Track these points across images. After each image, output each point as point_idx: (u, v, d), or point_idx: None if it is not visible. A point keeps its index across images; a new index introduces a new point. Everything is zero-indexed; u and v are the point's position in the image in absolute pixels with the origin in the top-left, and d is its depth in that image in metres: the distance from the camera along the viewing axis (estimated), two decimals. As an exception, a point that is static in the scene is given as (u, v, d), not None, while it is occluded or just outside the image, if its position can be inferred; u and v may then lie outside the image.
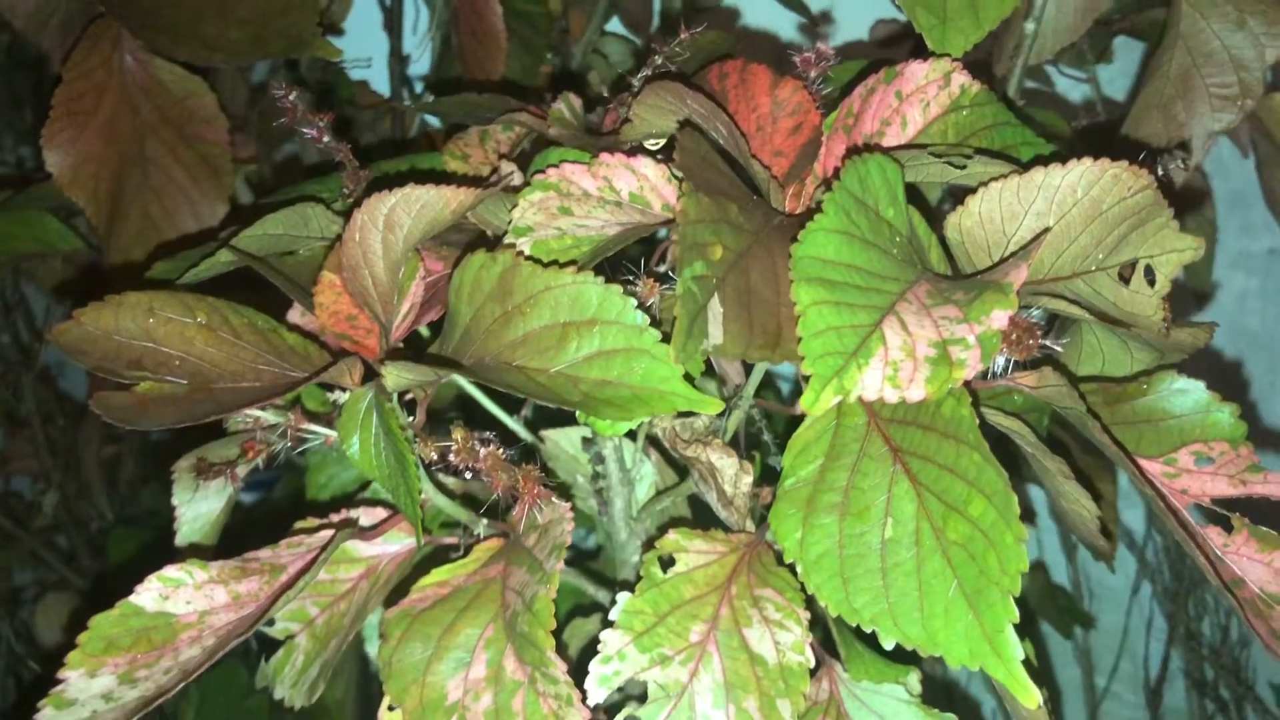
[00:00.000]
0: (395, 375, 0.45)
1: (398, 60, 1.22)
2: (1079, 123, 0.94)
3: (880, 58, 0.61)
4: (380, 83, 1.28)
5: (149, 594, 0.47)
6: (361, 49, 1.26)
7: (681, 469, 0.68)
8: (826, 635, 0.57)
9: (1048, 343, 0.43)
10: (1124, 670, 1.40)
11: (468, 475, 0.48)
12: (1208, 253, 1.11)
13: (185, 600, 0.47)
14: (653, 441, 0.68)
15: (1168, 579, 1.22)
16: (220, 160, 0.94)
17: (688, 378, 0.44)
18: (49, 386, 1.35)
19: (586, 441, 0.63)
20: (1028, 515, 1.10)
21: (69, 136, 0.87)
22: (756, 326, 0.43)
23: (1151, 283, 0.42)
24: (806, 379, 0.40)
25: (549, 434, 0.66)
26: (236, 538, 0.65)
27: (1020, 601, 0.41)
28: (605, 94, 0.85)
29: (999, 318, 0.40)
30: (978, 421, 0.41)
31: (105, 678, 0.44)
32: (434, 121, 1.22)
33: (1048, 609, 1.19)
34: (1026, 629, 0.42)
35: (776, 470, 0.60)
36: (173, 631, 0.46)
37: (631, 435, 0.64)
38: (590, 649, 0.64)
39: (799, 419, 0.52)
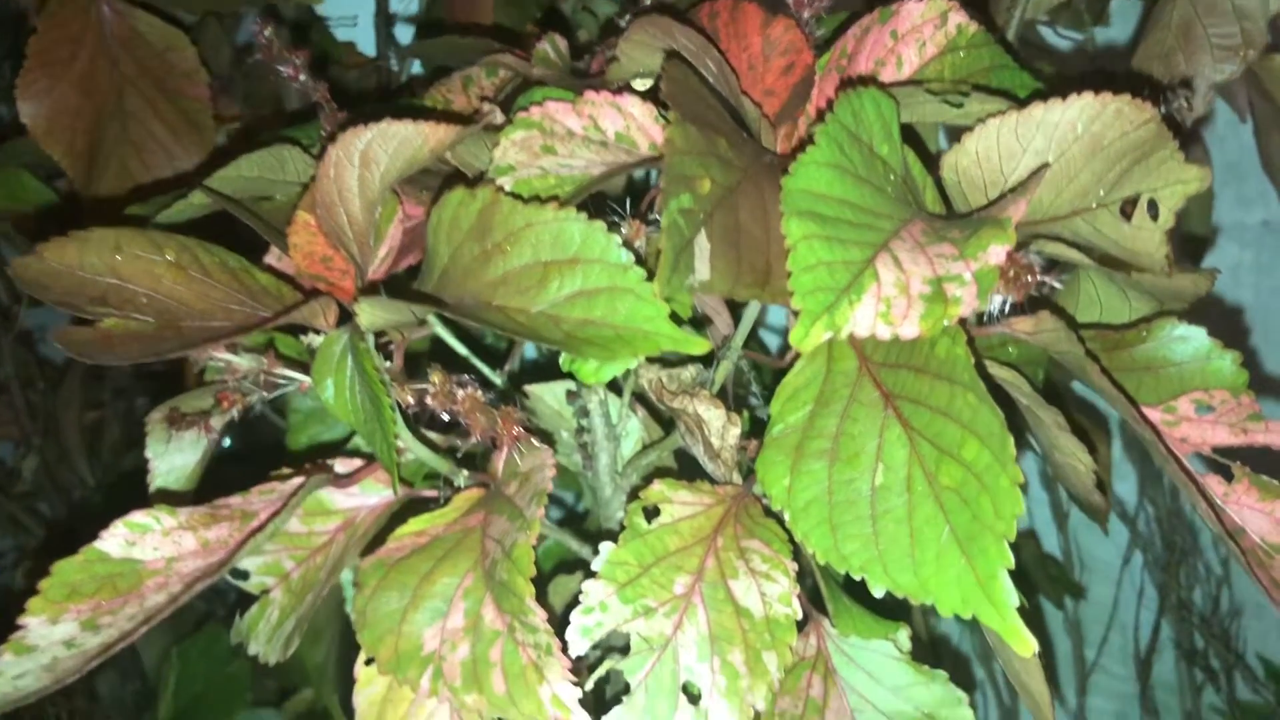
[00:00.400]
0: (369, 313, 0.44)
1: (384, 19, 1.20)
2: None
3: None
4: (367, 45, 1.26)
5: (114, 540, 0.45)
6: (347, 7, 1.24)
7: (668, 425, 0.66)
8: (815, 591, 0.56)
9: (1046, 279, 0.41)
10: (1114, 643, 1.40)
11: (445, 418, 0.46)
12: (1204, 226, 1.10)
13: (152, 546, 0.46)
14: (640, 398, 0.67)
15: (1159, 549, 1.21)
16: (201, 115, 0.92)
17: (674, 318, 0.43)
18: (29, 350, 1.33)
19: (571, 395, 0.62)
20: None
21: (44, 87, 0.85)
22: (745, 264, 0.42)
23: (1155, 217, 0.40)
24: (796, 314, 0.38)
25: (533, 388, 0.64)
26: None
27: (1019, 567, 0.40)
28: (593, 41, 0.84)
29: (996, 253, 0.39)
30: (973, 361, 0.40)
31: (67, 624, 0.43)
32: (420, 72, 1.20)
33: (1039, 578, 1.18)
34: (1024, 593, 0.40)
35: (765, 423, 0.58)
36: (139, 578, 0.45)
37: (617, 390, 0.63)
38: (574, 605, 0.63)
39: (787, 371, 0.51)
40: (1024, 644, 0.38)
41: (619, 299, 0.42)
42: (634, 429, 0.64)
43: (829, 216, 0.41)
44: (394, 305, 0.43)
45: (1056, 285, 0.41)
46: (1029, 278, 0.41)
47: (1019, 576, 0.39)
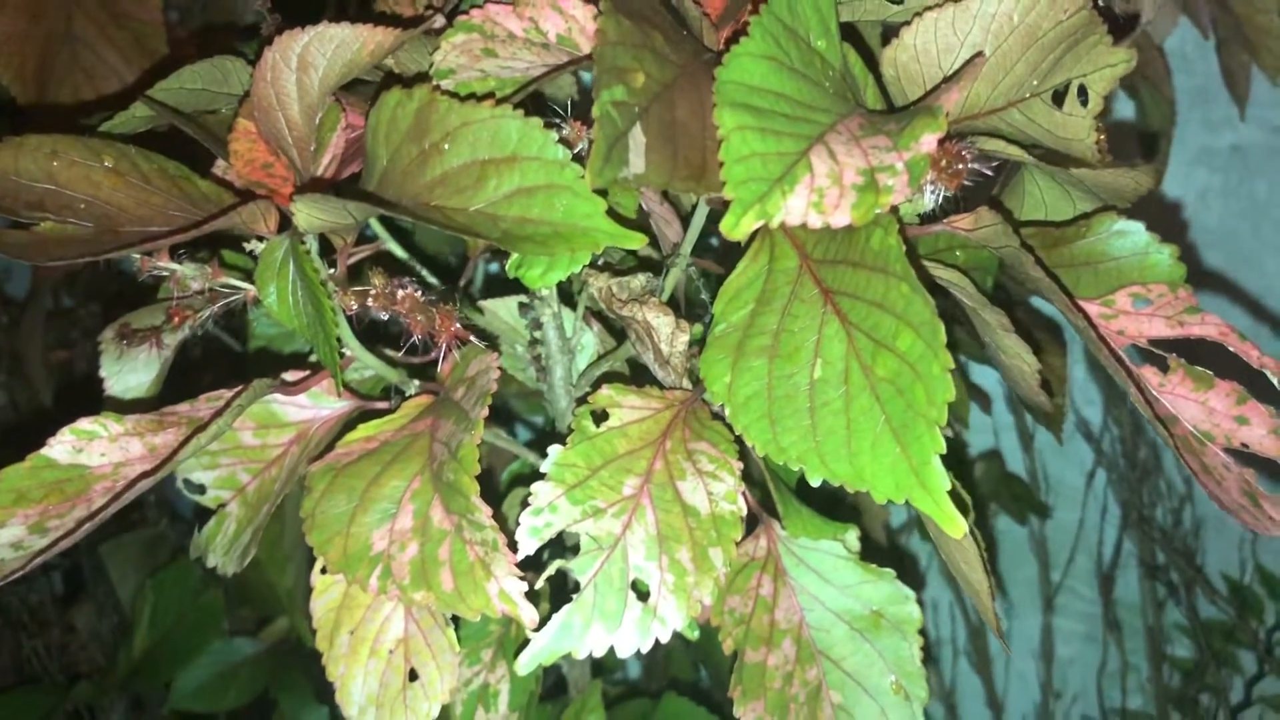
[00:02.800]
0: (306, 213, 0.43)
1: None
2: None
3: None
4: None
5: (61, 446, 0.46)
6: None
7: (624, 338, 0.67)
8: (766, 495, 0.57)
9: (977, 166, 0.41)
10: (1080, 565, 1.42)
11: (399, 339, 0.46)
12: (1166, 146, 1.10)
13: (99, 452, 0.46)
14: (596, 314, 0.67)
15: (1123, 469, 1.23)
16: (154, 41, 0.91)
17: (615, 214, 0.43)
18: (-7, 288, 1.32)
19: (523, 307, 0.62)
20: (983, 399, 1.11)
21: (-12, 12, 0.84)
22: (681, 158, 0.42)
23: (1084, 103, 0.40)
24: (727, 204, 0.39)
25: (487, 303, 0.64)
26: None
27: (972, 488, 0.41)
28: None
29: (928, 141, 0.39)
30: (904, 250, 0.40)
31: (14, 528, 0.43)
32: None
33: (1003, 497, 1.20)
34: (983, 510, 0.41)
35: (715, 331, 0.59)
36: (86, 483, 0.45)
37: (571, 305, 0.63)
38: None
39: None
40: (955, 525, 0.39)
41: (556, 196, 0.42)
42: (589, 343, 0.64)
43: (763, 109, 0.41)
44: (330, 204, 0.43)
45: (988, 172, 0.41)
46: (960, 165, 0.41)
47: (977, 493, 0.40)
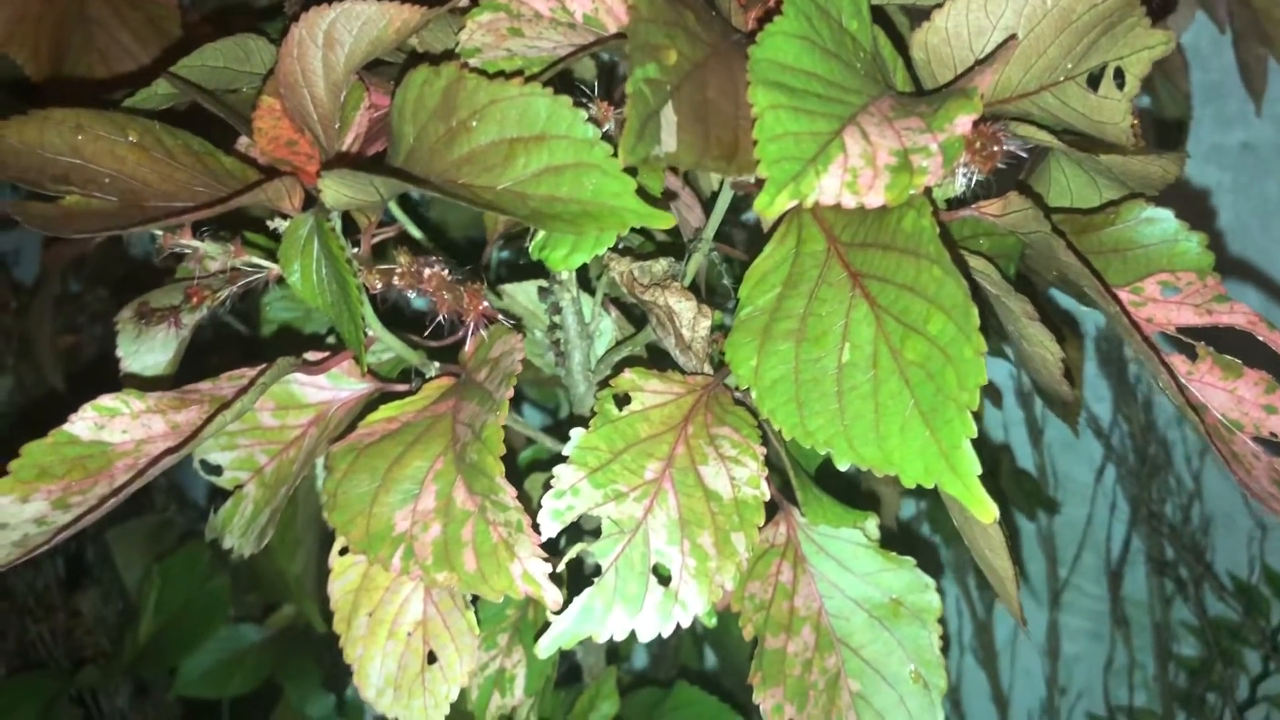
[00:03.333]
0: (333, 188, 0.43)
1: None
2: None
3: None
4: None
5: (83, 423, 0.45)
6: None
7: (641, 325, 0.66)
8: (785, 482, 0.56)
9: (1013, 148, 0.41)
10: (1088, 562, 1.42)
11: (420, 317, 0.46)
12: (1182, 139, 1.10)
13: (121, 429, 0.45)
14: (614, 300, 0.67)
15: (1133, 464, 1.22)
16: (168, 23, 0.90)
17: (642, 195, 0.42)
18: (2, 272, 1.32)
19: (543, 291, 0.61)
20: (993, 394, 1.10)
21: (4, -9, 0.83)
22: (713, 137, 0.42)
23: (1121, 86, 0.40)
24: (761, 183, 0.38)
25: (507, 287, 0.64)
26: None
27: (992, 479, 0.40)
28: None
29: (962, 123, 0.39)
30: (938, 232, 0.40)
31: (38, 503, 0.43)
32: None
33: (1013, 491, 1.19)
34: (1002, 508, 0.41)
35: (738, 316, 0.58)
36: (108, 460, 0.45)
37: (590, 291, 0.63)
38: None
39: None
40: (985, 510, 0.39)
41: (585, 174, 0.42)
42: (607, 328, 0.64)
43: (796, 88, 0.40)
44: (358, 179, 0.43)
45: (1022, 154, 0.41)
46: (995, 148, 0.41)
47: (993, 488, 0.40)
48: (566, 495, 0.48)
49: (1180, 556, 1.19)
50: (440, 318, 0.47)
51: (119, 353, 0.62)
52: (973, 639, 1.42)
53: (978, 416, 0.39)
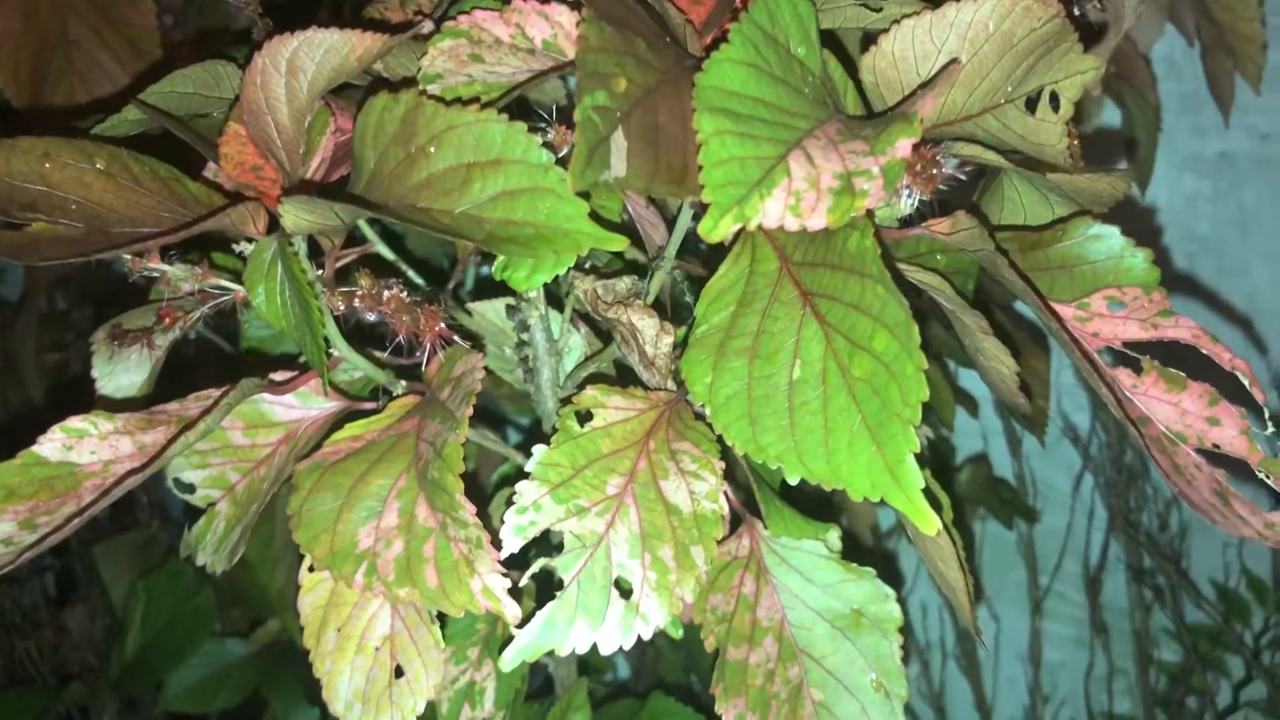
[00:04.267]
0: (293, 214, 0.44)
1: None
2: None
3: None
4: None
5: (51, 444, 0.46)
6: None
7: (610, 340, 0.67)
8: (749, 495, 0.57)
9: (952, 171, 0.42)
10: (1069, 570, 1.43)
11: (370, 318, 0.47)
12: (1150, 152, 1.11)
13: (90, 450, 0.46)
14: (583, 317, 0.68)
15: (1110, 472, 1.24)
16: (148, 45, 0.92)
17: (596, 218, 0.43)
18: (-13, 290, 1.33)
19: (510, 309, 0.62)
20: (970, 404, 1.11)
21: (-16, 14, 0.85)
22: (663, 162, 0.43)
23: (1056, 109, 0.41)
24: (705, 207, 0.39)
25: (475, 306, 0.65)
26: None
27: (952, 489, 0.41)
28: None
29: (903, 146, 0.40)
30: (879, 252, 0.41)
31: (5, 524, 0.44)
32: None
33: (990, 501, 1.20)
34: (959, 518, 0.42)
35: (699, 333, 0.59)
36: (76, 480, 0.46)
37: (559, 307, 0.64)
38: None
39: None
40: (928, 522, 0.40)
41: (540, 199, 0.43)
42: (576, 345, 0.65)
43: (742, 114, 0.41)
44: (318, 206, 0.44)
45: (961, 177, 0.42)
46: (934, 170, 0.42)
47: (957, 494, 0.41)
48: (529, 511, 0.49)
49: (1159, 564, 1.20)
50: (400, 338, 0.48)
51: (94, 373, 0.63)
52: (955, 647, 1.43)
53: (943, 420, 0.40)
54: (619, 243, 0.43)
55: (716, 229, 0.38)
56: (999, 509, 1.21)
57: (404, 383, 0.55)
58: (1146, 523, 1.22)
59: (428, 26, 0.53)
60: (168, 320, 0.56)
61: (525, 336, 0.62)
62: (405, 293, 0.47)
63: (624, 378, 0.67)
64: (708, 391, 0.45)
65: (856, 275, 0.42)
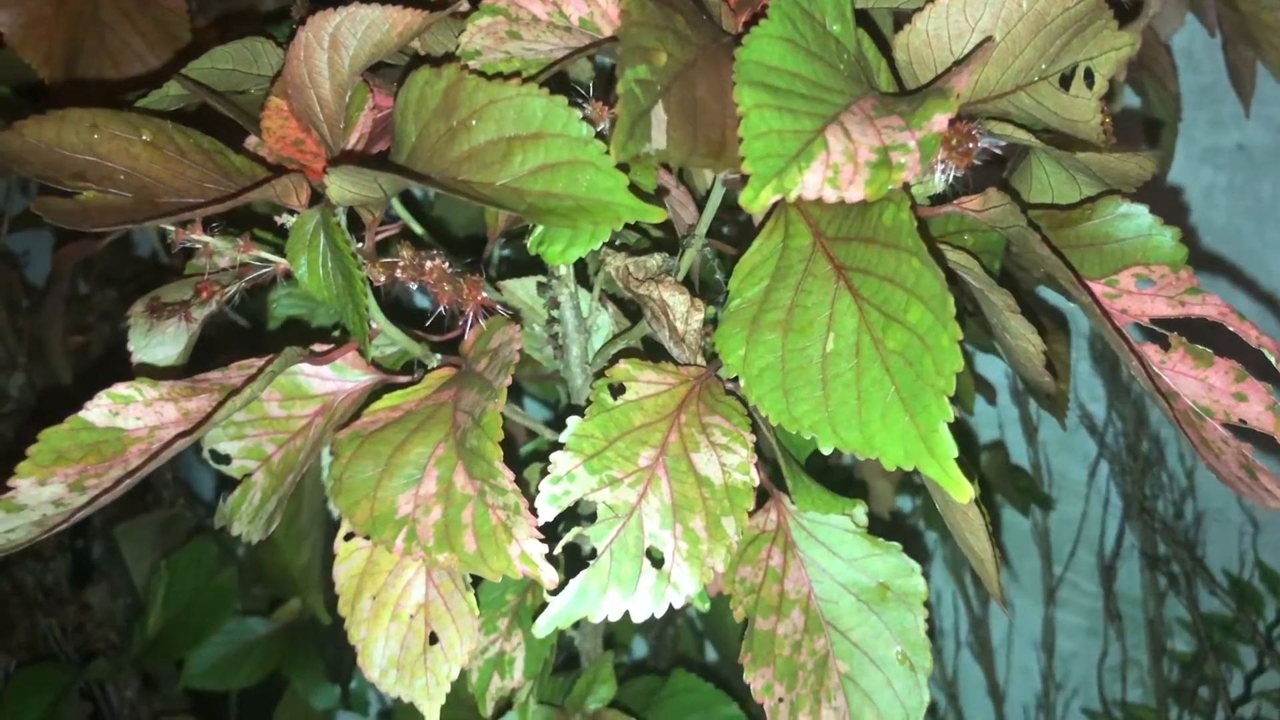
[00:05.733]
0: (338, 184, 0.45)
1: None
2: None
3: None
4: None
5: (98, 410, 0.47)
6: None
7: (637, 319, 0.68)
8: (776, 470, 0.58)
9: (987, 145, 0.43)
10: (1083, 560, 1.43)
11: (413, 286, 0.48)
12: (1171, 141, 1.11)
13: (135, 416, 0.47)
14: (610, 296, 0.68)
15: (1126, 461, 1.24)
16: (178, 27, 0.92)
17: (635, 191, 0.44)
18: (14, 271, 1.34)
19: (541, 286, 0.63)
20: (988, 391, 1.12)
21: (18, -5, 0.86)
22: (701, 135, 0.43)
23: (1090, 85, 0.42)
24: (746, 179, 0.40)
25: (506, 283, 0.66)
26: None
27: (980, 477, 0.42)
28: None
29: (939, 121, 0.41)
30: (915, 225, 0.41)
31: (55, 486, 0.45)
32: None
33: (1007, 488, 1.21)
34: (989, 501, 0.43)
35: (729, 310, 0.60)
36: (122, 445, 0.47)
37: (587, 285, 0.65)
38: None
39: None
40: (962, 490, 0.40)
41: (580, 171, 0.44)
42: (604, 323, 0.66)
43: (781, 88, 0.42)
44: (363, 176, 0.44)
45: (997, 151, 0.43)
46: (970, 145, 0.42)
47: (983, 484, 0.42)
48: (563, 481, 0.50)
49: (1173, 552, 1.20)
50: (441, 310, 0.49)
51: (130, 346, 0.64)
52: (969, 635, 1.43)
53: (963, 404, 0.41)
54: (657, 214, 0.43)
55: (757, 199, 0.39)
56: (1015, 496, 1.21)
57: (439, 356, 0.56)
58: (1162, 510, 1.23)
59: (465, 4, 0.54)
60: (205, 294, 0.57)
61: (555, 314, 0.63)
62: (447, 264, 0.48)
63: (651, 354, 0.67)
64: (742, 364, 0.46)
65: (891, 249, 0.43)
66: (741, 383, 0.45)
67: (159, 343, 0.64)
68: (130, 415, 0.47)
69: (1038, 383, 0.59)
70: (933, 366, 0.41)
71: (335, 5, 0.48)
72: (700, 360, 0.57)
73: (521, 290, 0.66)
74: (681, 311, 0.57)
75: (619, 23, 0.51)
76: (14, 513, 0.44)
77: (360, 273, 0.46)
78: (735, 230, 0.81)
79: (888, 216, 0.43)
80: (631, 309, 0.69)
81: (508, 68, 0.50)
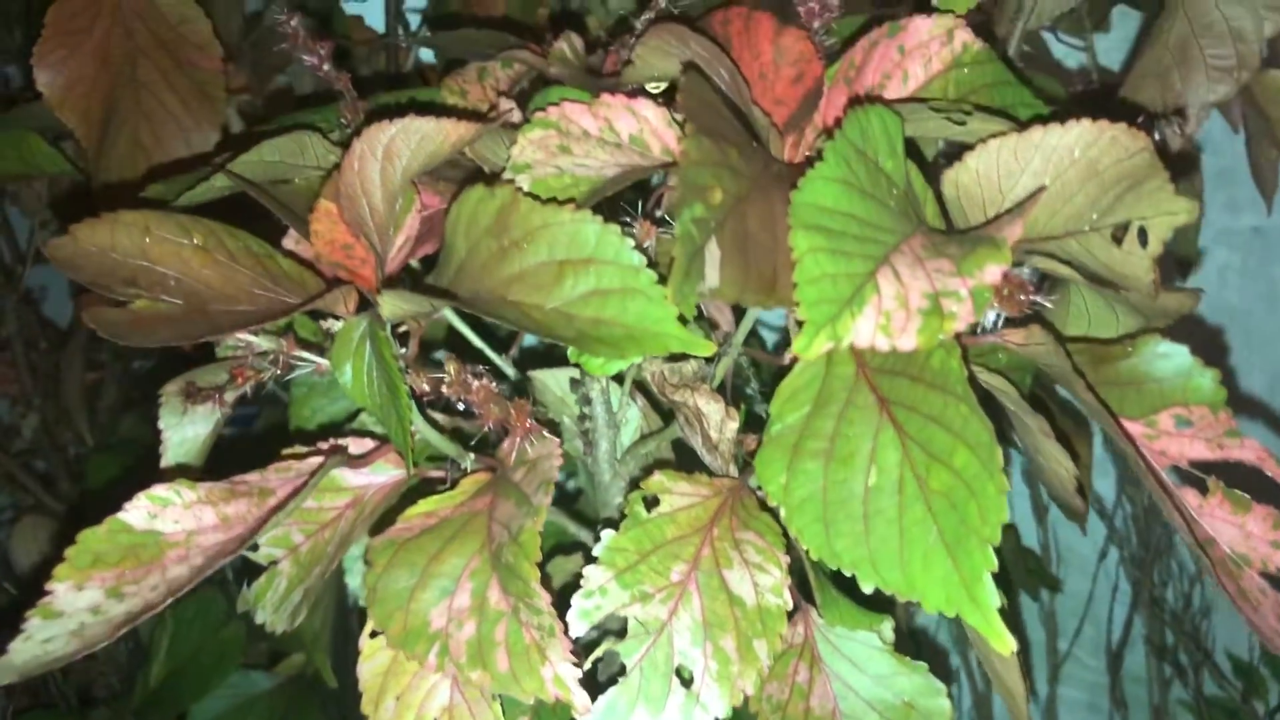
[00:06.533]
0: (391, 304, 0.45)
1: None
2: (1075, 88, 0.94)
3: (882, 13, 0.61)
4: (376, 19, 1.27)
5: (137, 511, 0.47)
6: (357, -18, 1.25)
7: (666, 414, 0.68)
8: (803, 580, 0.58)
9: (1038, 299, 0.43)
10: (1087, 635, 1.43)
11: (459, 407, 0.48)
12: (1195, 223, 1.12)
13: (173, 519, 0.47)
14: (639, 386, 0.69)
15: (1135, 546, 1.24)
16: (214, 88, 0.93)
17: (681, 319, 0.45)
18: (32, 310, 1.34)
19: (574, 383, 0.63)
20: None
21: (61, 56, 0.86)
22: (753, 270, 0.44)
23: (1144, 244, 0.42)
24: (800, 324, 0.40)
25: (537, 374, 0.66)
26: (217, 471, 0.67)
27: (999, 561, 0.42)
28: (604, 36, 0.85)
29: (992, 272, 0.41)
30: (966, 374, 0.42)
31: (92, 591, 0.45)
32: (429, 57, 1.21)
33: (1017, 570, 1.21)
34: (1004, 586, 0.43)
35: (762, 418, 0.60)
36: (160, 549, 0.47)
37: (619, 379, 0.65)
38: (573, 586, 0.65)
39: (785, 369, 0.53)
40: (1004, 643, 0.40)
41: (630, 299, 0.44)
42: (633, 417, 0.66)
43: (834, 230, 0.43)
44: (415, 298, 0.45)
45: (1048, 305, 0.43)
46: (1022, 296, 0.43)
47: (999, 570, 0.42)
48: (595, 595, 0.50)
49: (1181, 641, 1.20)
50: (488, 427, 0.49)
51: (161, 424, 0.64)
52: (972, 710, 1.43)
53: (999, 551, 0.41)
54: (706, 348, 0.44)
55: (811, 347, 0.40)
56: (1025, 580, 1.21)
57: (473, 457, 0.56)
58: (1171, 599, 1.23)
59: (517, 115, 0.55)
60: (240, 380, 0.57)
61: (586, 410, 0.63)
62: (493, 384, 0.48)
63: (680, 454, 0.68)
64: (782, 492, 0.46)
65: (938, 390, 0.43)
66: (782, 513, 0.46)
67: (190, 422, 0.64)
68: (169, 518, 0.47)
69: (1067, 503, 0.59)
70: (978, 514, 0.41)
71: (385, 111, 0.49)
72: (733, 469, 0.58)
73: (552, 381, 0.66)
74: (716, 420, 0.57)
75: (669, 140, 0.51)
76: (52, 619, 0.44)
77: (405, 387, 0.46)
78: (772, 333, 0.81)
79: (936, 359, 0.43)
80: (664, 405, 0.69)
81: (558, 184, 0.51)
